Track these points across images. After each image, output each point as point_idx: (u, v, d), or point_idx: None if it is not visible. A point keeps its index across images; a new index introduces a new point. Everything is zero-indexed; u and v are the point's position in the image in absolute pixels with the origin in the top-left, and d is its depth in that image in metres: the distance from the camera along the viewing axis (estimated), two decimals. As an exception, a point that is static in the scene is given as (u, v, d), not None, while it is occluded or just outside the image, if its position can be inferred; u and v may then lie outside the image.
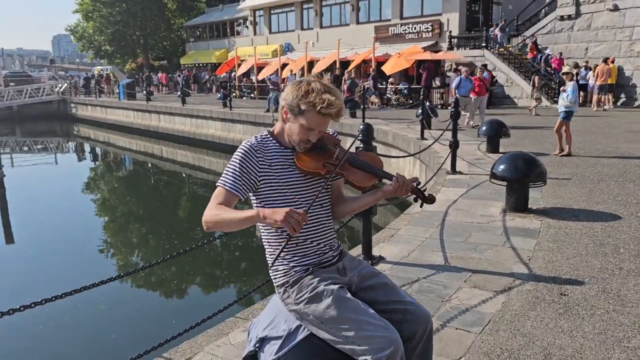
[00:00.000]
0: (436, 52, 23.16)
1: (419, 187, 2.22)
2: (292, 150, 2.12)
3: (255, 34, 36.97)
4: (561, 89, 9.42)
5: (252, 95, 30.04)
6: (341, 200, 2.29)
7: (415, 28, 25.57)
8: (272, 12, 35.51)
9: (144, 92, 28.60)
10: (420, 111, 12.07)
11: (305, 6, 32.53)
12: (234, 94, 27.88)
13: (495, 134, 9.57)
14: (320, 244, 2.13)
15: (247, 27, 38.51)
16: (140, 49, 49.39)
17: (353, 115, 17.04)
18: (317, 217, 2.13)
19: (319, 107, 1.98)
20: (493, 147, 9.68)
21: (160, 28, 48.70)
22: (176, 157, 22.40)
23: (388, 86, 22.51)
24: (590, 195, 6.68)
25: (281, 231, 2.08)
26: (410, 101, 21.01)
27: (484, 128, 9.72)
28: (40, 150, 27.81)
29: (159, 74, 40.50)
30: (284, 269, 2.09)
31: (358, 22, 28.91)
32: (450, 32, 23.54)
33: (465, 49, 22.76)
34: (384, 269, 4.31)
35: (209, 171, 19.69)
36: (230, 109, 21.19)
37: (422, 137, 11.57)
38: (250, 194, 2.11)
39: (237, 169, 2.05)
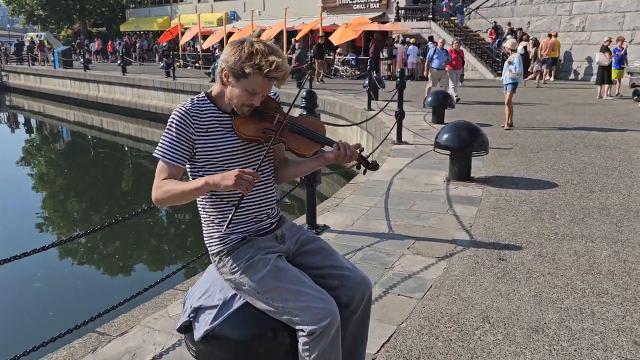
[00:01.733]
0: (383, 23, 23.15)
1: (361, 153, 2.15)
2: (230, 115, 1.98)
3: (199, 1, 35.76)
4: (507, 61, 9.52)
5: (197, 64, 29.22)
6: (284, 164, 2.19)
7: (362, -2, 25.41)
8: (216, -22, 34.39)
9: (81, 60, 27.24)
10: (367, 82, 12.05)
11: (251, -27, 31.67)
12: (178, 64, 27.06)
13: (441, 105, 9.67)
14: (258, 211, 2.03)
15: (190, -7, 37.19)
16: (76, 14, 46.82)
17: (299, 86, 16.85)
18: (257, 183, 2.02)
19: (265, 70, 1.85)
20: (438, 118, 9.79)
21: (98, -8, 46.26)
22: (117, 129, 21.57)
23: (335, 57, 22.35)
24: (529, 164, 6.88)
25: (216, 197, 1.98)
26: (358, 72, 20.98)
27: (429, 99, 9.80)
28: (-31, 121, 26.20)
29: (96, 41, 38.57)
30: (219, 237, 1.99)
31: (306, -9, 28.40)
32: (397, 3, 23.53)
33: (412, 21, 22.85)
34: (328, 238, 4.28)
35: (152, 143, 19.07)
36: (174, 79, 20.50)
37: (369, 108, 11.58)
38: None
39: (174, 138, 1.91)
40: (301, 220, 4.61)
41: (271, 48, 1.90)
